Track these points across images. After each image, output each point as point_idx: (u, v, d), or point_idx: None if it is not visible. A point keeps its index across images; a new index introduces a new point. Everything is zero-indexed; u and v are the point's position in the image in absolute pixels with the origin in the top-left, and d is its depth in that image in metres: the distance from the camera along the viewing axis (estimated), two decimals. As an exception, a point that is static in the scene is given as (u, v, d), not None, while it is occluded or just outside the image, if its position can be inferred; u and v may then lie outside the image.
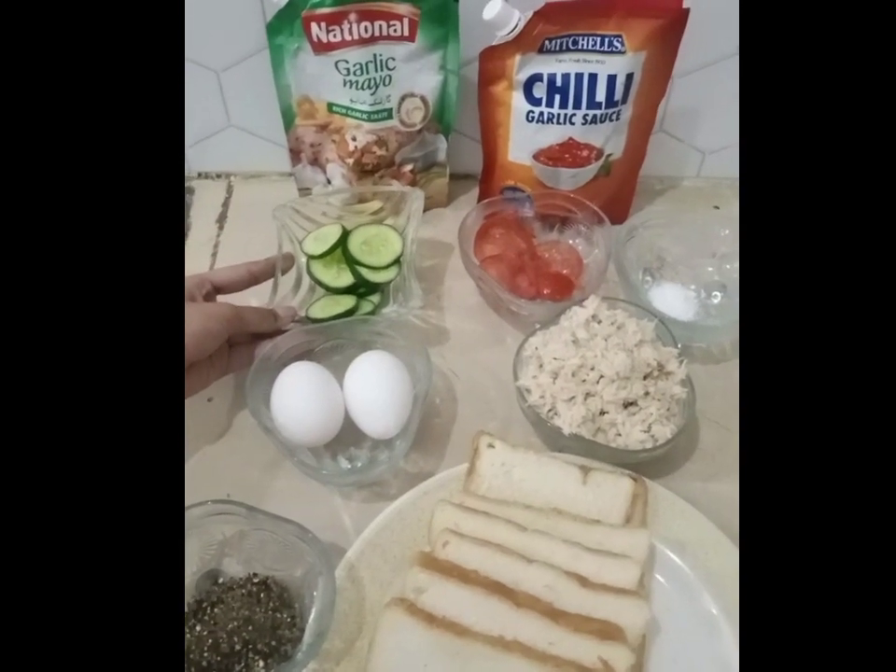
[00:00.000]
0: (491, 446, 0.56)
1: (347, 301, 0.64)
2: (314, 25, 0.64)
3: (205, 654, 0.46)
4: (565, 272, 0.71)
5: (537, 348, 0.60)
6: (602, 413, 0.56)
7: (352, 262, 0.65)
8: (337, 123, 0.71)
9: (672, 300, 0.67)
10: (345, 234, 0.66)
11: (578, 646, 0.45)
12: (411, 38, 0.66)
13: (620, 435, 0.56)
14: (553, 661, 0.44)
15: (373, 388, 0.56)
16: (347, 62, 0.66)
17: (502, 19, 0.63)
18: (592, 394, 0.56)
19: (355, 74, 0.67)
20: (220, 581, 0.50)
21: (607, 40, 0.64)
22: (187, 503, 0.47)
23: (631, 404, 0.57)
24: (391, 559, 0.51)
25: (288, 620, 0.48)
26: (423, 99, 0.71)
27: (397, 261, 0.66)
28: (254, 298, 0.65)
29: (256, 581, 0.49)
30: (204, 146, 0.81)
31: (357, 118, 0.70)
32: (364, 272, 0.65)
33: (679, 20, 0.63)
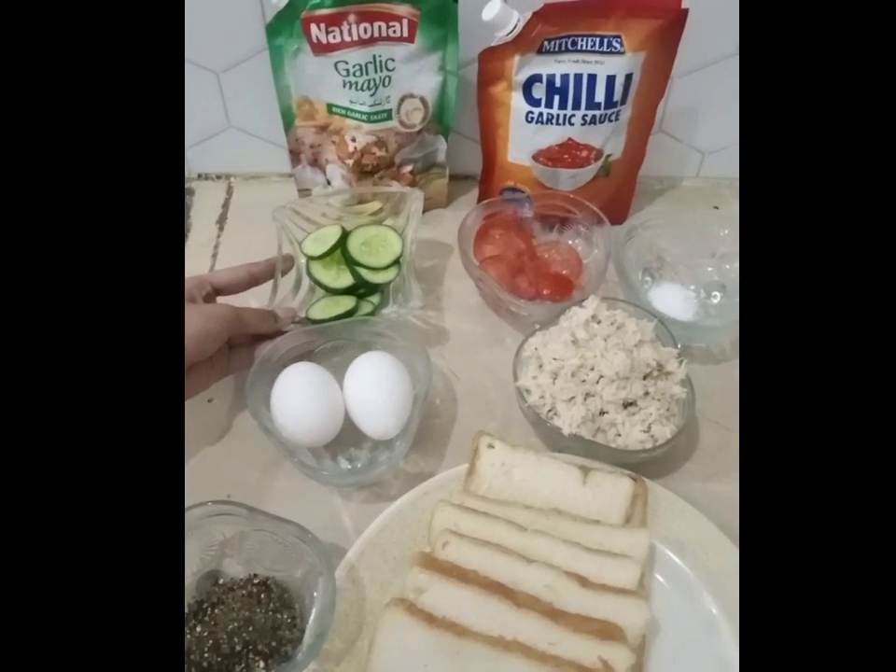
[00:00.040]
0: (491, 446, 0.56)
1: (347, 302, 0.64)
2: (313, 26, 0.64)
3: (206, 655, 0.46)
4: (564, 272, 0.71)
5: (536, 348, 0.60)
6: (602, 413, 0.56)
7: (351, 263, 0.65)
8: (337, 124, 0.71)
9: (672, 300, 0.67)
10: (345, 235, 0.66)
11: (578, 646, 0.45)
12: (410, 39, 0.67)
13: (619, 435, 0.56)
14: (553, 661, 0.44)
15: (373, 389, 0.56)
16: (347, 63, 0.66)
17: (501, 19, 0.63)
18: (591, 394, 0.56)
19: (354, 75, 0.67)
20: (221, 581, 0.50)
21: (606, 41, 0.64)
22: (187, 504, 0.47)
23: (631, 404, 0.57)
24: (391, 559, 0.51)
25: (289, 620, 0.48)
26: (422, 100, 0.71)
27: (396, 262, 0.66)
28: (254, 299, 0.65)
29: (256, 581, 0.49)
30: (204, 147, 0.81)
31: (356, 119, 0.70)
32: (364, 272, 0.65)
33: (678, 20, 0.64)
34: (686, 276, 0.70)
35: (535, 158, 0.72)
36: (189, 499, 0.46)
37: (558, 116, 0.69)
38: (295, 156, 0.75)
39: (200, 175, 0.85)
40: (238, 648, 0.46)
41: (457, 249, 0.70)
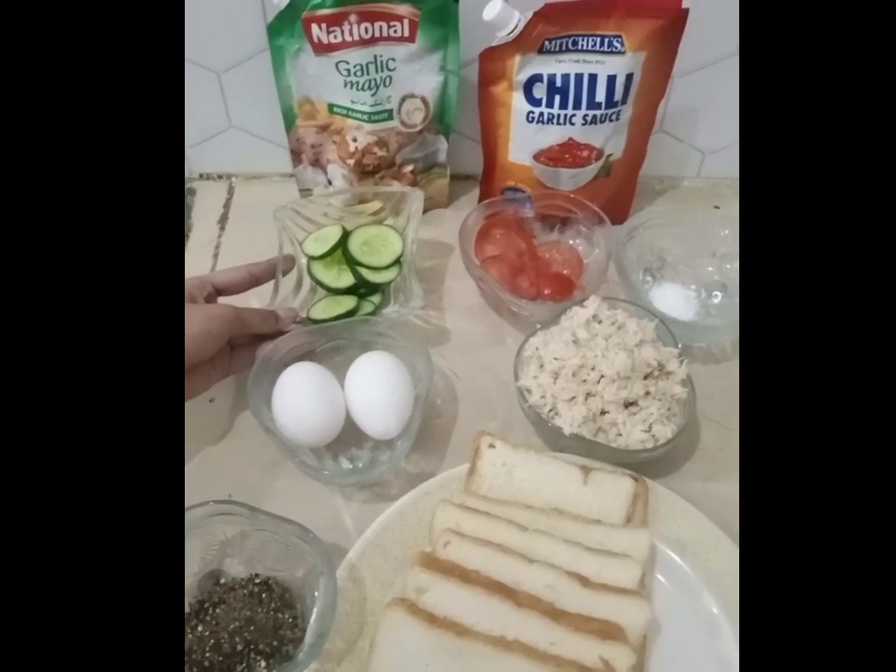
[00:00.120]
0: (492, 446, 0.56)
1: (348, 302, 0.64)
2: (314, 26, 0.64)
3: (207, 654, 0.46)
4: (565, 272, 0.71)
5: (537, 348, 0.60)
6: (603, 412, 0.56)
7: (352, 263, 0.65)
8: (338, 124, 0.71)
9: (672, 300, 0.67)
10: (346, 235, 0.66)
11: (579, 646, 0.45)
12: (411, 39, 0.67)
13: (620, 435, 0.56)
14: (555, 661, 0.44)
15: (374, 389, 0.56)
16: (348, 63, 0.66)
17: (502, 19, 0.63)
18: (592, 394, 0.56)
19: (355, 75, 0.67)
20: (222, 581, 0.50)
21: (606, 40, 0.64)
22: (189, 503, 0.47)
23: (632, 404, 0.57)
24: (392, 559, 0.51)
25: (290, 620, 0.48)
26: (423, 100, 0.71)
27: (397, 262, 0.66)
28: (255, 299, 0.65)
29: (257, 581, 0.49)
30: (206, 147, 0.81)
31: (357, 119, 0.70)
32: (365, 272, 0.65)
33: (678, 20, 0.64)
34: (687, 276, 0.70)
35: (536, 158, 0.72)
36: (190, 499, 0.46)
37: (559, 116, 0.69)
38: (296, 156, 0.75)
39: (201, 175, 0.85)
40: (239, 647, 0.46)
41: (458, 249, 0.70)
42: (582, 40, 0.65)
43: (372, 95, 0.68)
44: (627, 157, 0.73)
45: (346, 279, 0.65)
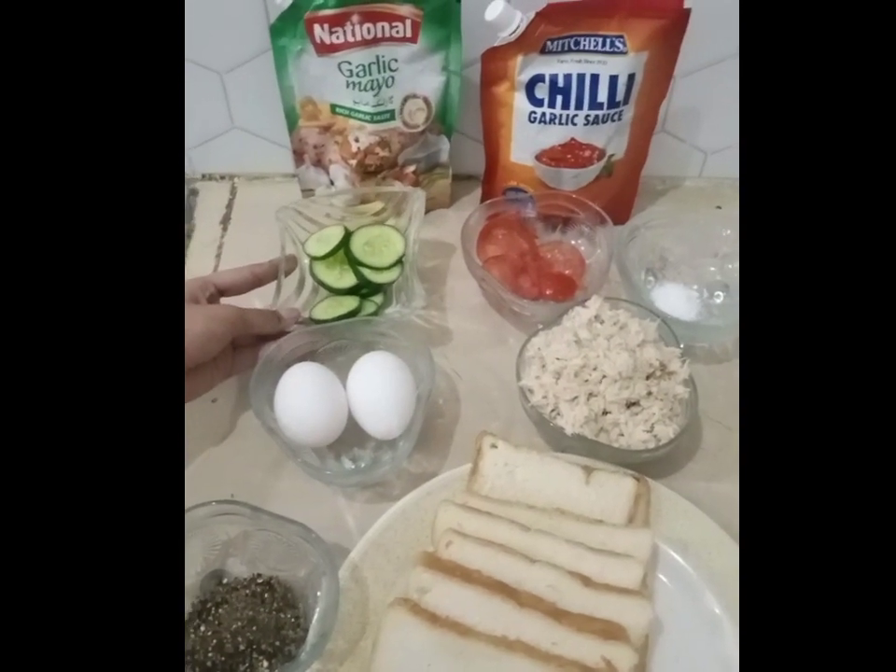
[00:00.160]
0: (494, 446, 0.56)
1: (350, 302, 0.64)
2: (316, 27, 0.64)
3: (210, 654, 0.46)
4: (567, 272, 0.71)
5: (539, 348, 0.60)
6: (605, 413, 0.56)
7: (354, 263, 0.65)
8: (340, 125, 0.72)
9: (674, 300, 0.67)
10: (348, 235, 0.66)
11: (581, 646, 0.45)
12: (413, 40, 0.67)
13: (622, 435, 0.56)
14: (557, 661, 0.44)
15: (376, 389, 0.56)
16: (350, 63, 0.66)
17: (504, 20, 0.63)
18: (594, 394, 0.56)
19: (357, 75, 0.67)
20: (224, 581, 0.50)
21: (608, 41, 0.64)
22: (191, 503, 0.47)
23: (634, 404, 0.57)
24: (394, 559, 0.51)
25: (292, 620, 0.48)
26: (425, 100, 0.71)
27: (399, 262, 0.66)
28: (257, 299, 0.66)
29: (260, 581, 0.49)
30: (208, 147, 0.81)
31: (359, 119, 0.70)
32: (367, 272, 0.65)
33: (680, 20, 0.64)
34: (689, 276, 0.70)
35: (538, 158, 0.72)
36: (192, 499, 0.46)
37: (561, 116, 0.69)
38: (298, 156, 0.75)
39: (203, 176, 0.85)
40: (242, 647, 0.46)
41: (460, 249, 0.70)
42: (584, 40, 0.65)
43: (375, 96, 0.68)
44: (629, 157, 0.73)
45: (348, 279, 0.65)
